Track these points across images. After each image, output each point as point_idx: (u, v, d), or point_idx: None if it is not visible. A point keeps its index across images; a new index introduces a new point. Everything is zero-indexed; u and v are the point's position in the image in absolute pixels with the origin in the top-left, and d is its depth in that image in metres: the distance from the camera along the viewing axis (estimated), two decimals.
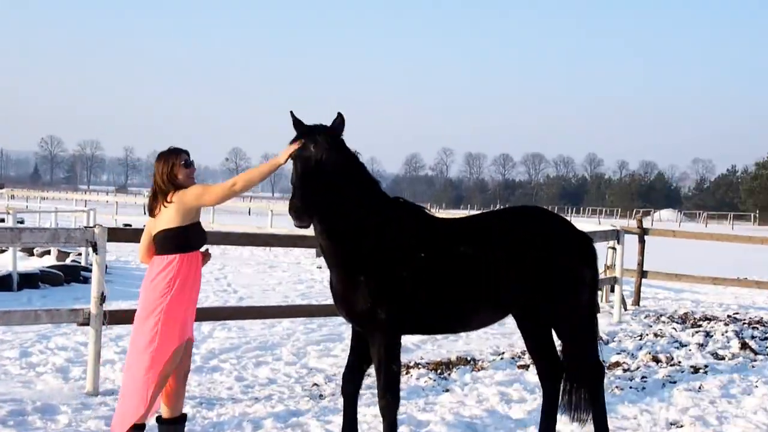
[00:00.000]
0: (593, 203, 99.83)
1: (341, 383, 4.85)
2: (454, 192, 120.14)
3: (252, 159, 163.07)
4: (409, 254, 4.52)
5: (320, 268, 16.57)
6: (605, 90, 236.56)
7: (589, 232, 8.82)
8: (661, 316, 11.31)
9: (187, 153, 4.74)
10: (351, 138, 4.52)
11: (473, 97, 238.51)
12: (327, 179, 4.22)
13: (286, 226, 25.64)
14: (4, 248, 12.99)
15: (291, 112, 4.43)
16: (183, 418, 4.83)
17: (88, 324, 6.25)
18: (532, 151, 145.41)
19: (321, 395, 6.44)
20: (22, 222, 21.90)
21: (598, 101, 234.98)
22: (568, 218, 6.07)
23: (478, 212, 6.62)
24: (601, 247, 7.19)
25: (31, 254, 14.50)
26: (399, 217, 4.61)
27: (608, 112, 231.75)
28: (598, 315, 6.07)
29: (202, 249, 4.90)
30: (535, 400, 6.28)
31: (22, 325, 7.71)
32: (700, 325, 10.37)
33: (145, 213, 42.16)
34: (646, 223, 30.60)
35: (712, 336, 9.48)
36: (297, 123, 4.44)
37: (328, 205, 4.25)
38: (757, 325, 10.54)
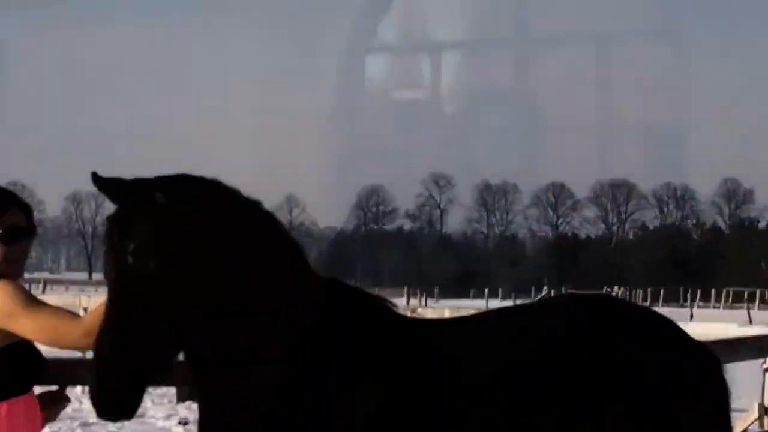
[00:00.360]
0: (734, 277, 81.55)
1: None
2: (456, 262, 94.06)
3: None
4: (364, 395, 3.89)
5: (187, 424, 14.82)
6: (746, 65, 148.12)
7: (721, 340, 7.66)
8: None
9: (18, 204, 3.87)
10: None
11: (489, 73, 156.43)
12: (174, 292, 3.41)
13: None
14: None
15: (93, 173, 3.62)
16: None
17: None
18: (609, 177, 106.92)
19: None
20: None
21: (734, 84, 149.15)
22: (678, 313, 4.98)
23: (500, 307, 5.60)
24: (748, 370, 6.76)
25: None
26: (347, 318, 3.99)
27: (755, 101, 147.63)
28: None
29: (47, 389, 4.33)
30: None
31: None
32: None
33: None
34: None
35: None
36: (112, 187, 3.57)
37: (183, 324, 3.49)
38: None
